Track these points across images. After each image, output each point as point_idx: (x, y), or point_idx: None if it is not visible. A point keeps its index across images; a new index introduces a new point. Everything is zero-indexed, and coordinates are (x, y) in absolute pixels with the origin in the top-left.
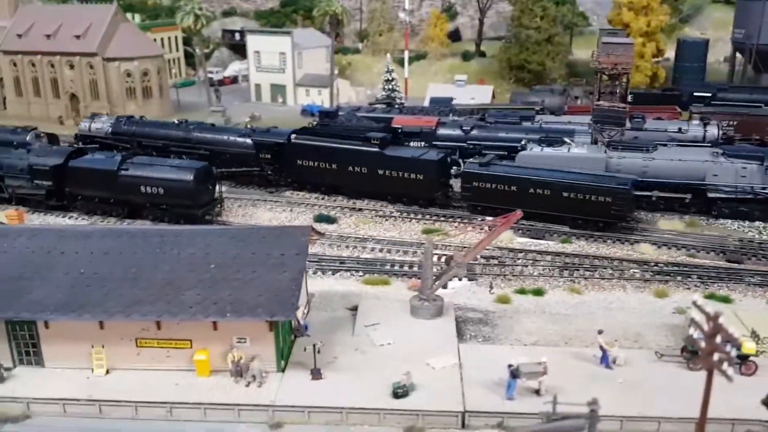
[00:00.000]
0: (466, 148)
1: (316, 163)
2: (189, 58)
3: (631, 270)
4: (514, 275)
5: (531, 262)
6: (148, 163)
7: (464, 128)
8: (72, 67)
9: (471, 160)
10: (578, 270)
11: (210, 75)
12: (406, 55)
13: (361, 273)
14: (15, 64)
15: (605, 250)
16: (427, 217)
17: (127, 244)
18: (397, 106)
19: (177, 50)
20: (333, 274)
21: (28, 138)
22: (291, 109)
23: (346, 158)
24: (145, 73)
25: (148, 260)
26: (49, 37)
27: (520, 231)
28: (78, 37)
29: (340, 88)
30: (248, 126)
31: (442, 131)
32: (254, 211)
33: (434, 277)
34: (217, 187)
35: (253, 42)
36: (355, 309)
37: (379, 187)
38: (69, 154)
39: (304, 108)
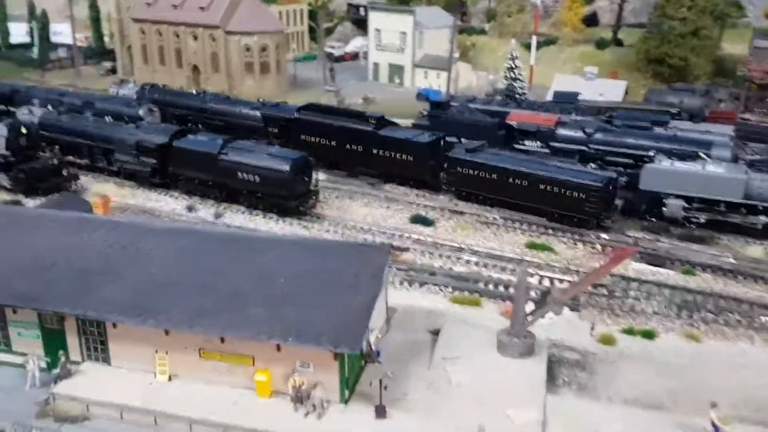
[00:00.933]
0: (586, 153)
1: (317, 139)
2: (313, 32)
3: (763, 318)
4: (623, 311)
5: (645, 295)
6: (247, 149)
7: (586, 130)
8: (195, 38)
9: (458, 145)
10: (699, 311)
11: (330, 50)
12: (534, 40)
13: (450, 289)
14: (143, 32)
15: (734, 289)
16: (534, 227)
17: (202, 246)
18: (517, 97)
19: (301, 23)
20: (420, 287)
21: (140, 112)
22: (407, 92)
23: (344, 136)
24: (264, 49)
25: (220, 266)
26: (176, 7)
27: (638, 255)
28: (202, 8)
29: (461, 72)
30: (259, 100)
31: (561, 132)
32: (350, 205)
33: (527, 312)
34: (314, 178)
35: (374, 18)
36: (437, 333)
37: (374, 165)
38: (174, 133)
39: (419, 92)
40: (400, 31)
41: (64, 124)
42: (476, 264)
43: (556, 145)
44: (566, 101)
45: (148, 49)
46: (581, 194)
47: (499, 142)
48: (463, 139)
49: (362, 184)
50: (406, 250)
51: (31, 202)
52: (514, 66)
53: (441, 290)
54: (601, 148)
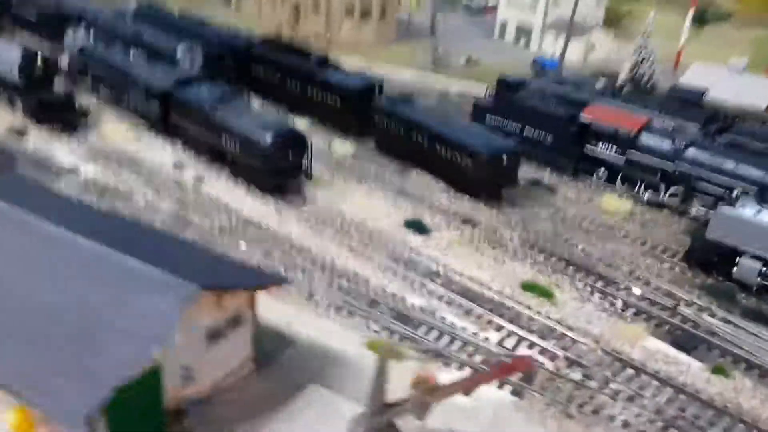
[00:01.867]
0: (670, 174)
1: (267, 76)
2: None
3: None
4: (583, 411)
5: (629, 393)
6: (240, 110)
7: (677, 142)
8: None
9: (388, 94)
10: None
11: (468, 2)
12: (690, 13)
13: (379, 328)
14: None
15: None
16: (548, 260)
17: (30, 248)
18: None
19: None
20: (350, 315)
21: (178, 53)
22: (528, 57)
23: (287, 73)
24: None
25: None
26: None
27: (666, 332)
28: None
29: (600, 40)
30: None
31: (645, 139)
32: (348, 193)
33: (384, 404)
34: (306, 158)
35: None
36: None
37: (309, 108)
38: (179, 80)
39: (534, 59)
40: None
41: (96, 55)
42: (440, 298)
43: (635, 155)
44: (685, 98)
45: None
46: (468, 161)
47: (570, 140)
48: (528, 130)
49: (367, 171)
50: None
51: (37, 134)
52: (644, 45)
53: (368, 326)
54: (689, 169)
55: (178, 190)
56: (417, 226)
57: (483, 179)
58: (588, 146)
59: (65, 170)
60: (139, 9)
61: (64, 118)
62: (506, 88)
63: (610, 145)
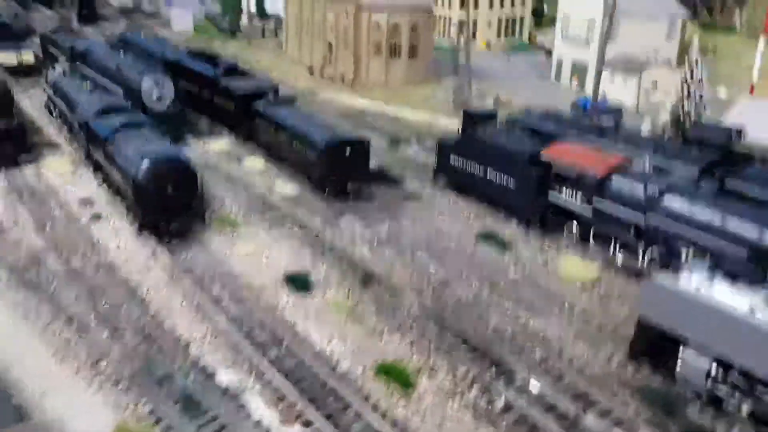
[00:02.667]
0: (642, 229)
1: (186, 84)
2: (540, 15)
3: None
4: None
5: None
6: (132, 140)
7: (651, 188)
8: (332, 12)
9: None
10: None
11: (542, 39)
12: (762, 43)
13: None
14: (296, 2)
15: None
16: (419, 336)
17: None
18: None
19: (522, 6)
20: (123, 389)
21: (144, 86)
22: (571, 97)
23: (198, 81)
24: (396, 28)
25: None
26: None
27: None
28: None
29: (661, 76)
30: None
31: (615, 185)
32: (249, 239)
33: None
34: (196, 195)
35: (565, 1)
36: None
37: (212, 112)
38: (98, 111)
39: (575, 101)
40: (588, 18)
41: (58, 86)
42: (261, 376)
43: (603, 205)
44: (708, 138)
45: (299, 22)
46: (312, 153)
47: (533, 185)
48: (489, 170)
49: (315, 214)
50: None
51: None
52: (689, 77)
53: (139, 406)
54: (664, 223)
55: (58, 227)
56: (299, 283)
57: (324, 171)
58: (552, 193)
59: None
60: (120, 37)
61: (8, 150)
62: (472, 123)
63: (574, 192)
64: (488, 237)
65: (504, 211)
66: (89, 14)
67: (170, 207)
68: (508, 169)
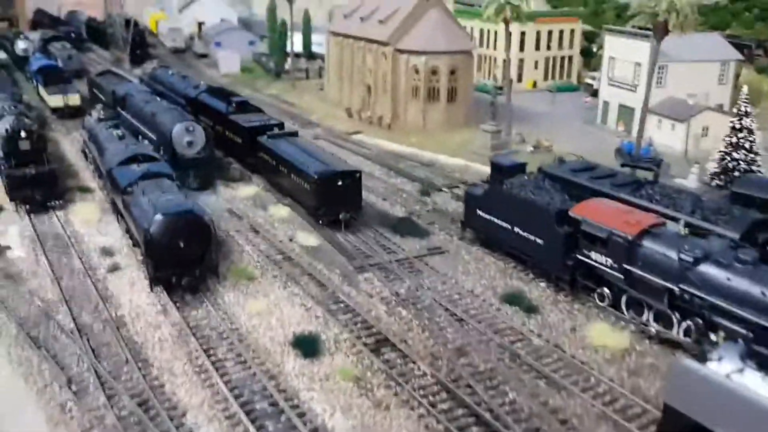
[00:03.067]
0: (675, 298)
1: (204, 118)
2: (590, 56)
3: None
4: None
5: None
6: (149, 190)
7: (686, 254)
8: (371, 55)
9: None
10: None
11: (591, 81)
12: None
13: None
14: (337, 46)
15: None
16: (424, 413)
17: None
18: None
19: (570, 46)
20: None
21: (175, 135)
22: (616, 142)
23: (212, 116)
24: (434, 72)
25: None
26: (363, 20)
27: None
28: (381, 22)
29: (712, 122)
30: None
31: (648, 246)
32: (261, 295)
33: None
34: (208, 250)
35: (611, 44)
36: None
37: (224, 146)
38: (123, 160)
39: (619, 146)
40: (634, 61)
41: (91, 132)
42: None
43: (634, 270)
44: (755, 198)
45: (339, 64)
46: (306, 184)
47: (561, 244)
48: (517, 225)
49: (333, 270)
50: None
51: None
52: (738, 126)
53: None
54: (699, 293)
55: (75, 278)
56: (307, 346)
57: (318, 200)
58: (582, 254)
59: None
60: (151, 74)
61: (38, 195)
62: (500, 174)
63: (605, 254)
64: (513, 298)
65: (532, 270)
66: (142, 55)
67: (182, 261)
68: (536, 226)
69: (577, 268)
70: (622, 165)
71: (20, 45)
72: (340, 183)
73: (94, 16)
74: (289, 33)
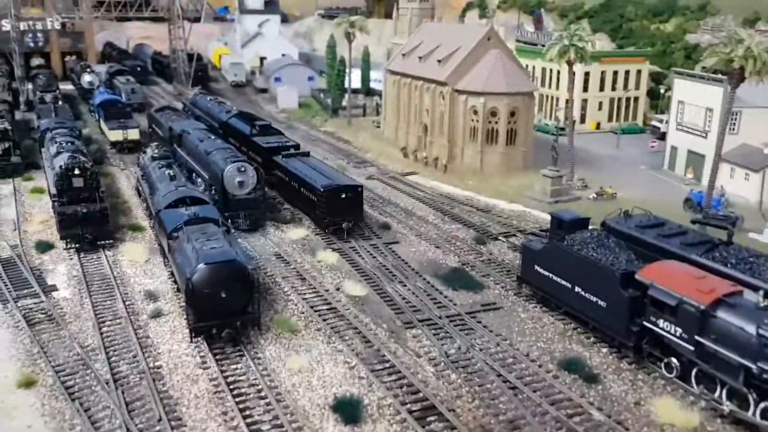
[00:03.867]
0: (752, 377)
1: (233, 141)
2: (656, 97)
3: None
4: None
5: None
6: (194, 236)
7: (766, 330)
8: (429, 95)
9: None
10: None
11: (657, 124)
12: None
13: None
14: (395, 85)
15: None
16: None
17: None
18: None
19: (637, 87)
20: None
21: (227, 176)
22: (682, 192)
23: (238, 137)
24: (493, 113)
25: None
26: (421, 59)
27: None
28: (439, 62)
29: None
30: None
31: (723, 317)
32: (303, 350)
33: None
34: (252, 300)
35: (680, 87)
36: None
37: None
38: (170, 203)
39: (689, 195)
40: (705, 106)
41: (147, 170)
42: None
43: (707, 342)
44: None
45: (396, 103)
46: (314, 196)
47: (626, 309)
48: (577, 287)
49: (380, 323)
50: None
51: (63, 254)
52: None
53: None
54: None
55: (117, 323)
56: (348, 412)
57: (323, 211)
58: (649, 320)
59: (48, 288)
60: (192, 99)
61: (89, 234)
62: (560, 229)
63: (674, 322)
64: (572, 365)
65: (593, 333)
66: (203, 90)
67: (224, 312)
68: (599, 288)
69: (642, 335)
70: (693, 222)
71: (86, 78)
72: (343, 195)
73: (159, 50)
74: (347, 70)
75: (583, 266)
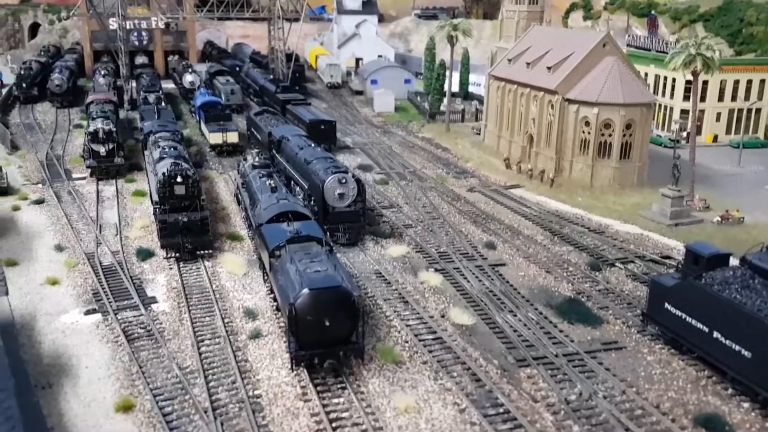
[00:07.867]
0: None
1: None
2: None
3: None
4: None
5: None
6: (294, 262)
7: None
8: (536, 103)
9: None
10: None
11: None
12: None
13: None
14: (499, 91)
15: None
16: None
17: None
18: None
19: (761, 97)
20: None
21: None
22: None
23: (268, 94)
24: (607, 125)
25: None
26: (529, 66)
27: None
28: (549, 69)
29: None
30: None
31: None
32: (408, 386)
33: None
34: (355, 327)
35: None
36: None
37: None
38: (273, 217)
39: None
40: None
41: (247, 179)
42: None
43: None
44: None
45: (499, 111)
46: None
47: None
48: (716, 332)
49: (491, 361)
50: None
51: (163, 263)
52: None
53: None
54: None
55: (216, 343)
56: None
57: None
58: None
59: (148, 300)
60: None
61: (189, 243)
62: (695, 264)
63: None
64: (709, 422)
65: (732, 385)
66: (300, 91)
67: (327, 340)
68: (743, 334)
69: None
70: None
71: (187, 78)
72: (322, 126)
73: (258, 50)
74: (447, 74)
75: (724, 310)
